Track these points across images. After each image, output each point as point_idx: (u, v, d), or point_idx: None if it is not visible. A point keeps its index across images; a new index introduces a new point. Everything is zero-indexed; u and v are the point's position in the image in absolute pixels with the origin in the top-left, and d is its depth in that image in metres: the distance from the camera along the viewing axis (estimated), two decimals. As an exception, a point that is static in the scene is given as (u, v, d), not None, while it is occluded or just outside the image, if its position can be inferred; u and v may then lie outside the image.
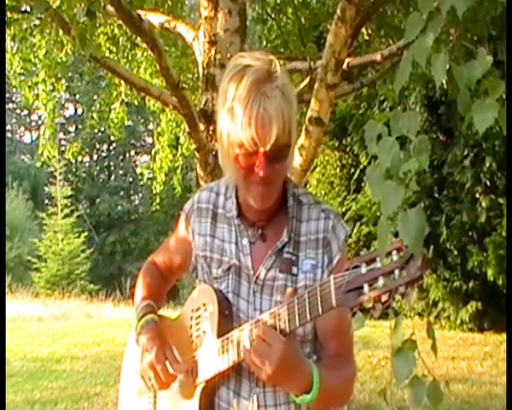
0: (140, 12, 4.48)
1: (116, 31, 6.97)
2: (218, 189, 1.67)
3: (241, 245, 1.59)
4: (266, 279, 1.55)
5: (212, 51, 4.21)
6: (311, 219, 1.58)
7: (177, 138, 8.63)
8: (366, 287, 1.26)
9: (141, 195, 31.64)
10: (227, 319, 1.54)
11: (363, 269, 1.27)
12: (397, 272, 1.22)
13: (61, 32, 5.00)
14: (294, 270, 1.54)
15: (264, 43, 7.15)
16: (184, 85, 4.97)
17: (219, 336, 1.52)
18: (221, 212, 1.64)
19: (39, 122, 27.57)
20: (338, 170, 13.20)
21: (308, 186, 12.69)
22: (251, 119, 1.42)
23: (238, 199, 1.61)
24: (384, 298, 1.23)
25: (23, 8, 4.38)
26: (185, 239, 1.69)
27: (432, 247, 10.09)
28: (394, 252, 1.23)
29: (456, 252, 10.58)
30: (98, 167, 33.29)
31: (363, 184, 12.22)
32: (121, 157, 33.51)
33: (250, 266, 1.57)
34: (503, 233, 9.85)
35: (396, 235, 1.10)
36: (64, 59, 7.06)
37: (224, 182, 1.66)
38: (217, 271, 1.60)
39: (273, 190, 1.52)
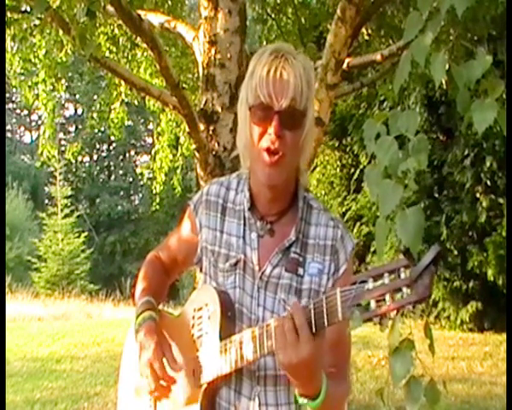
0: (140, 12, 4.48)
1: (116, 31, 6.97)
2: (228, 183, 1.67)
3: (250, 239, 1.58)
4: (271, 276, 1.55)
5: (212, 51, 4.21)
6: (320, 224, 1.58)
7: (177, 138, 8.63)
8: (373, 303, 1.25)
9: (141, 195, 31.63)
10: (229, 320, 1.53)
11: (370, 285, 1.26)
12: (404, 289, 1.21)
13: (61, 32, 5.00)
14: (300, 271, 1.54)
15: (264, 43, 7.14)
16: (184, 85, 4.98)
17: (221, 337, 1.52)
18: (230, 206, 1.64)
19: (39, 122, 27.53)
20: (338, 170, 13.20)
21: (307, 188, 12.67)
22: (269, 72, 1.47)
23: (251, 192, 1.61)
24: (391, 315, 1.23)
25: (23, 8, 4.37)
26: (192, 230, 1.69)
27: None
28: (402, 269, 1.22)
29: (456, 252, 10.58)
30: (98, 167, 33.29)
31: (363, 184, 12.21)
32: (121, 157, 33.50)
33: (256, 261, 1.56)
34: (504, 233, 9.85)
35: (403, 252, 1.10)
36: (64, 59, 7.05)
37: (236, 177, 1.66)
38: (224, 265, 1.59)
39: (282, 165, 1.51)
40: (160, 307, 1.74)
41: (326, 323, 1.33)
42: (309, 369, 1.36)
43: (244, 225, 1.60)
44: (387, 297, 1.23)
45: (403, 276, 1.22)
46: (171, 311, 1.81)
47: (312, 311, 1.34)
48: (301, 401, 1.41)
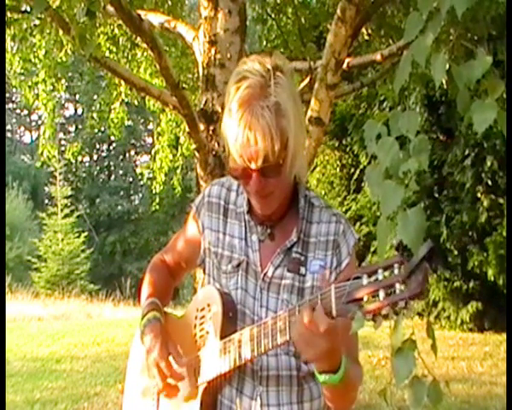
0: (140, 12, 4.48)
1: (116, 31, 6.98)
2: (229, 184, 1.67)
3: (251, 241, 1.59)
4: (274, 277, 1.55)
5: (212, 51, 4.21)
6: (321, 221, 1.58)
7: (177, 138, 8.64)
8: (366, 299, 1.25)
9: (141, 195, 31.60)
10: (230, 320, 1.54)
11: (365, 280, 1.26)
12: (398, 286, 1.21)
13: (61, 32, 5.00)
14: (302, 270, 1.54)
15: (264, 43, 7.15)
16: (184, 85, 4.98)
17: (222, 337, 1.53)
18: (232, 208, 1.65)
19: (39, 122, 27.54)
20: (338, 170, 13.19)
21: (308, 186, 12.67)
22: (238, 138, 1.44)
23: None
24: (384, 312, 1.23)
25: (23, 8, 4.37)
26: (195, 232, 1.70)
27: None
28: (396, 265, 1.22)
29: (456, 252, 10.57)
30: (98, 167, 33.27)
31: (363, 184, 12.21)
32: (121, 157, 33.49)
33: (258, 262, 1.57)
34: (504, 233, 9.84)
35: (397, 248, 1.10)
36: (64, 59, 7.07)
37: None
38: (226, 267, 1.61)
39: (272, 200, 1.53)
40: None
41: None
42: (330, 351, 1.36)
43: (245, 227, 1.61)
44: (381, 293, 1.23)
45: (396, 272, 1.22)
46: (172, 311, 1.82)
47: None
48: (322, 378, 1.40)
